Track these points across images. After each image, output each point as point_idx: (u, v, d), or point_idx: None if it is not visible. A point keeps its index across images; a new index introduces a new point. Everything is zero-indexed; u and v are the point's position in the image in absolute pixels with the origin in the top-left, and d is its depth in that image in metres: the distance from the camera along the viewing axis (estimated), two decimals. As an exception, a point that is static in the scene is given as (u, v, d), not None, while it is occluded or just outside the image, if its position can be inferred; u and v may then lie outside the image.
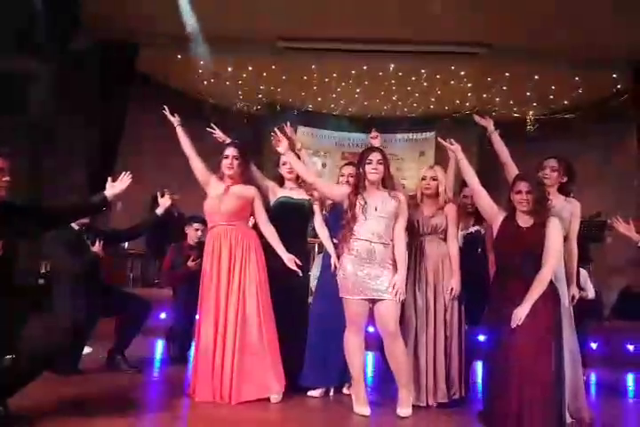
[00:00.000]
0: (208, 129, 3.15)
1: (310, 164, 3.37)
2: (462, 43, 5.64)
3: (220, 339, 2.62)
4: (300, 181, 3.06)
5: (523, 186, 2.54)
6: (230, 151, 2.84)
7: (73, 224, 3.10)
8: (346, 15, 5.22)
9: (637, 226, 3.12)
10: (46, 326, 2.07)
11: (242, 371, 2.59)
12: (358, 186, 2.66)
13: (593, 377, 4.14)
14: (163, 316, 4.51)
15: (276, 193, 3.04)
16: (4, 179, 2.07)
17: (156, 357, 3.96)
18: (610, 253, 5.90)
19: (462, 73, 6.47)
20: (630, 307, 5.44)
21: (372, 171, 2.63)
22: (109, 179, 2.58)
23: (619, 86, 6.29)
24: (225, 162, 2.83)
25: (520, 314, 2.35)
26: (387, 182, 2.70)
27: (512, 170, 2.87)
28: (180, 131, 2.99)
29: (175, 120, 3.02)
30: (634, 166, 5.92)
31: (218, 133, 3.14)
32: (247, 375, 2.60)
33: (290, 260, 2.75)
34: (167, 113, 3.05)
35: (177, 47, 5.78)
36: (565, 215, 2.83)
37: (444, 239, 2.92)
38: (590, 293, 4.11)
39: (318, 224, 3.02)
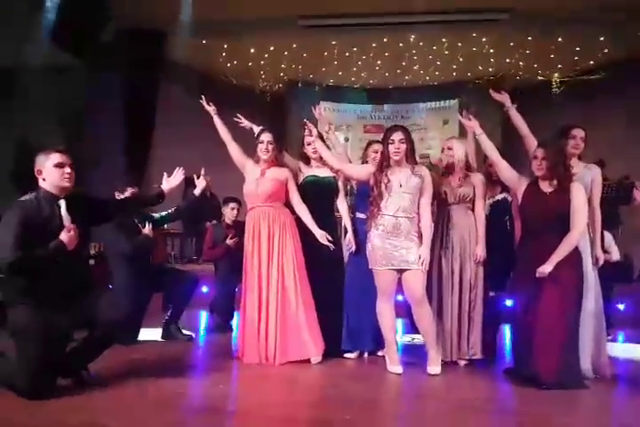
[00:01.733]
0: (235, 118, 3.36)
1: (338, 145, 3.52)
2: (482, 10, 5.57)
3: (264, 308, 2.94)
4: (324, 160, 3.19)
5: (538, 152, 2.67)
6: (266, 137, 3.04)
7: None
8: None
9: None
10: (112, 303, 2.40)
11: (284, 336, 2.91)
12: (382, 165, 2.82)
13: (621, 337, 4.31)
14: (204, 289, 4.80)
15: (304, 172, 3.21)
16: (67, 172, 2.32)
17: (202, 326, 4.27)
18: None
19: (484, 39, 6.40)
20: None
21: (395, 150, 2.77)
22: (165, 174, 2.87)
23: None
24: (261, 146, 3.03)
25: (545, 270, 2.51)
26: (409, 159, 2.83)
27: (532, 142, 2.99)
28: (216, 120, 3.17)
29: (212, 110, 3.19)
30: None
31: (244, 122, 3.31)
32: (289, 339, 2.92)
33: (322, 236, 2.97)
34: (204, 103, 3.20)
35: (202, 32, 5.93)
36: (586, 181, 2.97)
37: (472, 208, 3.04)
38: (615, 255, 4.22)
39: (340, 200, 3.22)
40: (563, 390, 2.47)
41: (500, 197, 3.35)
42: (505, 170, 2.87)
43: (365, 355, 3.19)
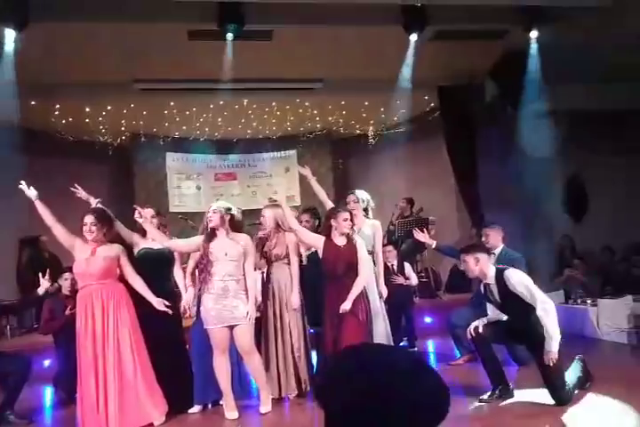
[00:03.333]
0: (72, 188, 3.54)
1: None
2: (300, 79, 6.58)
3: (102, 383, 3.06)
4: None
5: (347, 215, 3.40)
6: (88, 219, 3.18)
7: None
8: (196, 58, 5.81)
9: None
10: None
11: (122, 406, 3.07)
12: (206, 235, 3.25)
13: (431, 347, 5.30)
14: (46, 363, 4.64)
15: (140, 244, 3.47)
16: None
17: (46, 403, 4.16)
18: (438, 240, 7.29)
19: (307, 103, 7.46)
20: (457, 283, 6.84)
21: (209, 220, 3.24)
22: None
23: (432, 104, 7.76)
24: (84, 228, 3.17)
25: (346, 307, 3.22)
26: (229, 229, 3.24)
27: (328, 206, 3.78)
28: (38, 204, 3.20)
29: (33, 195, 3.21)
30: (448, 172, 7.40)
31: (81, 193, 3.51)
32: (129, 408, 3.08)
33: (159, 303, 3.22)
34: (24, 188, 3.22)
35: (28, 95, 5.83)
36: (368, 233, 3.82)
37: (289, 263, 3.57)
38: (414, 280, 5.29)
39: (176, 268, 3.55)
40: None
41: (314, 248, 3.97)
42: (306, 234, 3.55)
43: (209, 406, 3.44)
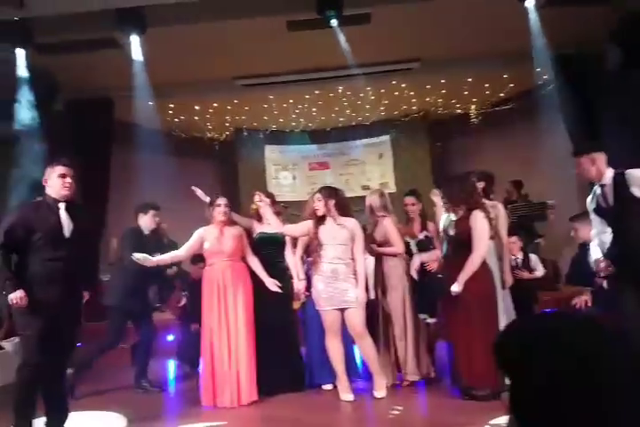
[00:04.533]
0: (192, 188, 3.83)
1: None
2: (395, 61, 6.39)
3: (226, 358, 3.34)
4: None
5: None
6: (222, 201, 3.53)
7: None
8: (293, 50, 5.92)
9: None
10: None
11: (239, 381, 3.35)
12: (315, 220, 3.35)
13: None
14: (170, 338, 5.11)
15: (257, 229, 3.73)
16: (67, 182, 2.72)
17: (171, 375, 4.56)
18: (556, 227, 6.70)
19: (403, 85, 7.24)
20: (579, 273, 6.22)
21: (315, 209, 3.34)
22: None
23: (545, 77, 7.08)
24: (218, 209, 3.50)
25: (456, 289, 2.99)
26: (335, 214, 3.31)
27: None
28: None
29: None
30: (564, 152, 6.71)
31: (198, 192, 3.77)
32: (242, 385, 3.36)
33: (271, 283, 3.44)
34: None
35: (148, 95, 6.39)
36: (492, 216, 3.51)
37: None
38: (540, 272, 4.78)
39: (288, 252, 3.70)
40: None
41: (421, 235, 3.82)
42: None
43: (330, 386, 3.54)
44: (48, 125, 5.95)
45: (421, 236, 3.85)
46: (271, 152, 9.16)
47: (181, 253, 3.53)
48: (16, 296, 2.50)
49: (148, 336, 3.83)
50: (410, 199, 3.90)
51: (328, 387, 3.54)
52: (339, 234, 3.30)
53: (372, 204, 3.62)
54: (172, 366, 4.79)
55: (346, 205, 3.45)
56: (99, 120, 6.53)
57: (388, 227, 3.54)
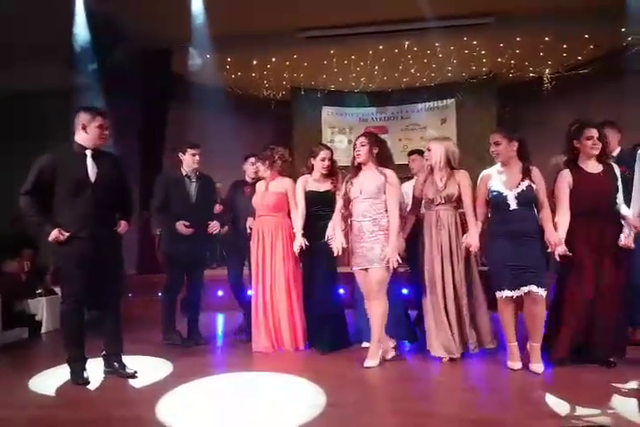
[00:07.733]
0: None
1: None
2: (469, 15, 5.90)
3: (268, 307, 3.46)
4: (327, 174, 3.52)
5: (593, 132, 2.83)
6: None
7: None
8: (357, 2, 5.58)
9: None
10: None
11: (279, 330, 3.49)
12: (352, 171, 3.10)
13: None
14: (220, 293, 5.23)
15: (306, 186, 3.51)
16: (105, 133, 2.82)
17: (220, 330, 4.51)
18: None
19: (475, 42, 6.72)
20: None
21: (357, 155, 3.07)
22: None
23: (630, 38, 6.37)
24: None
25: (630, 243, 2.76)
26: (377, 164, 3.04)
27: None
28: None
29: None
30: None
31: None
32: (284, 334, 3.45)
33: (297, 241, 3.36)
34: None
35: (207, 48, 6.30)
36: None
37: (457, 207, 3.11)
38: None
39: (336, 210, 3.32)
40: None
41: (524, 185, 2.90)
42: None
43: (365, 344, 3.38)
44: (107, 76, 6.04)
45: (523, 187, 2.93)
46: (328, 114, 8.92)
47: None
48: (55, 234, 2.69)
49: (195, 289, 3.83)
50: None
51: (366, 344, 3.38)
52: (367, 187, 3.03)
53: (447, 151, 3.12)
54: (220, 321, 4.88)
55: (389, 157, 3.14)
56: (156, 72, 6.52)
57: (466, 180, 3.12)
